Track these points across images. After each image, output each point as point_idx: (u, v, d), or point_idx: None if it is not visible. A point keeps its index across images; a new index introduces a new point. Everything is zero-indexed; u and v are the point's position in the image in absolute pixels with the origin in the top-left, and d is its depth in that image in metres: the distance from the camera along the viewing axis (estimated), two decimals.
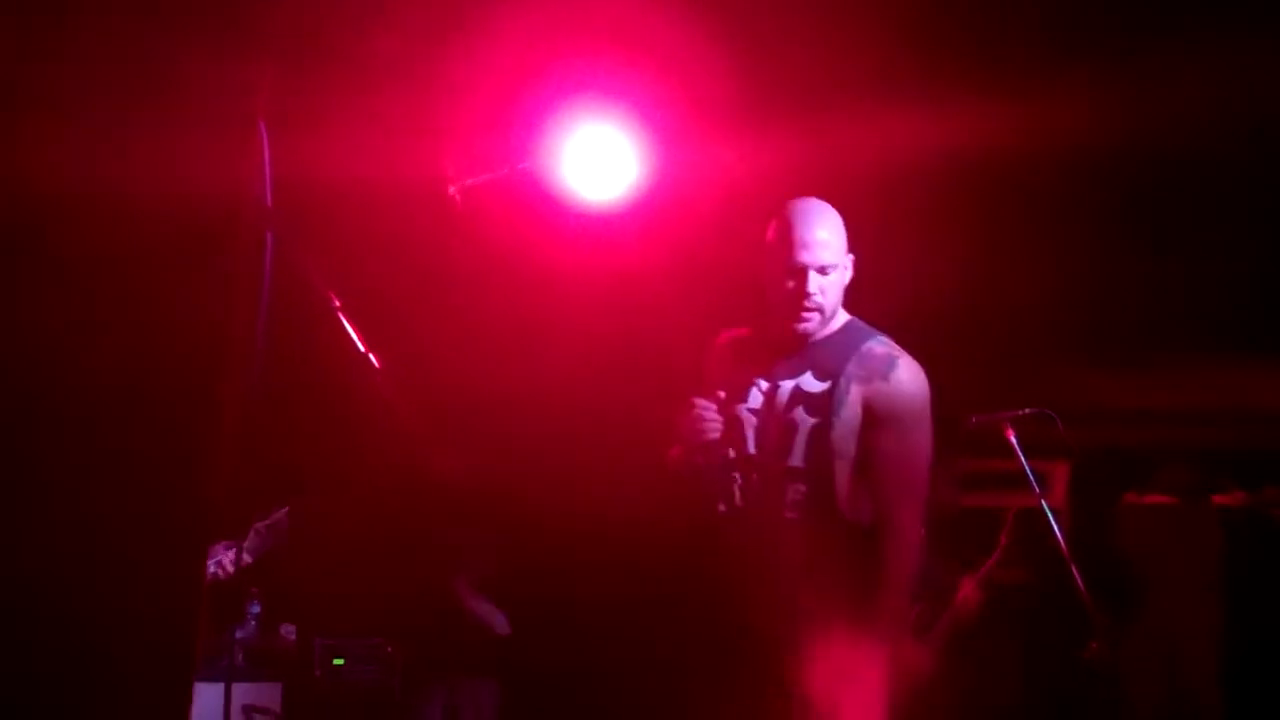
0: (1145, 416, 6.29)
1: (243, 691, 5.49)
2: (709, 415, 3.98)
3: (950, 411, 4.29)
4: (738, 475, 4.03)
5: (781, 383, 4.06)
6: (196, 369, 2.76)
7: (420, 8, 4.85)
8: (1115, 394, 6.09)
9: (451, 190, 5.30)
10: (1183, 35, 4.60)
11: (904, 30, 4.99)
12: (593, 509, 5.81)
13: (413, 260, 5.42)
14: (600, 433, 5.88)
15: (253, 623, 5.83)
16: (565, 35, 5.08)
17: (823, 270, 4.01)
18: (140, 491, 2.67)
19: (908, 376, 4.01)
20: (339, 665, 5.81)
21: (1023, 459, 5.27)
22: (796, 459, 3.99)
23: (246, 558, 4.73)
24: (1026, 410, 5.28)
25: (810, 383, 4.05)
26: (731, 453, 4.04)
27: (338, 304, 3.41)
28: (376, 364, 3.39)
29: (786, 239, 4.01)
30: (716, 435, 3.99)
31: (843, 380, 3.99)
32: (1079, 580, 4.74)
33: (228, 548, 4.54)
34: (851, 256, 4.11)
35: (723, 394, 4.05)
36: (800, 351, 4.08)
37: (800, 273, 4.00)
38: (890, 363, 4.01)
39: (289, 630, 5.98)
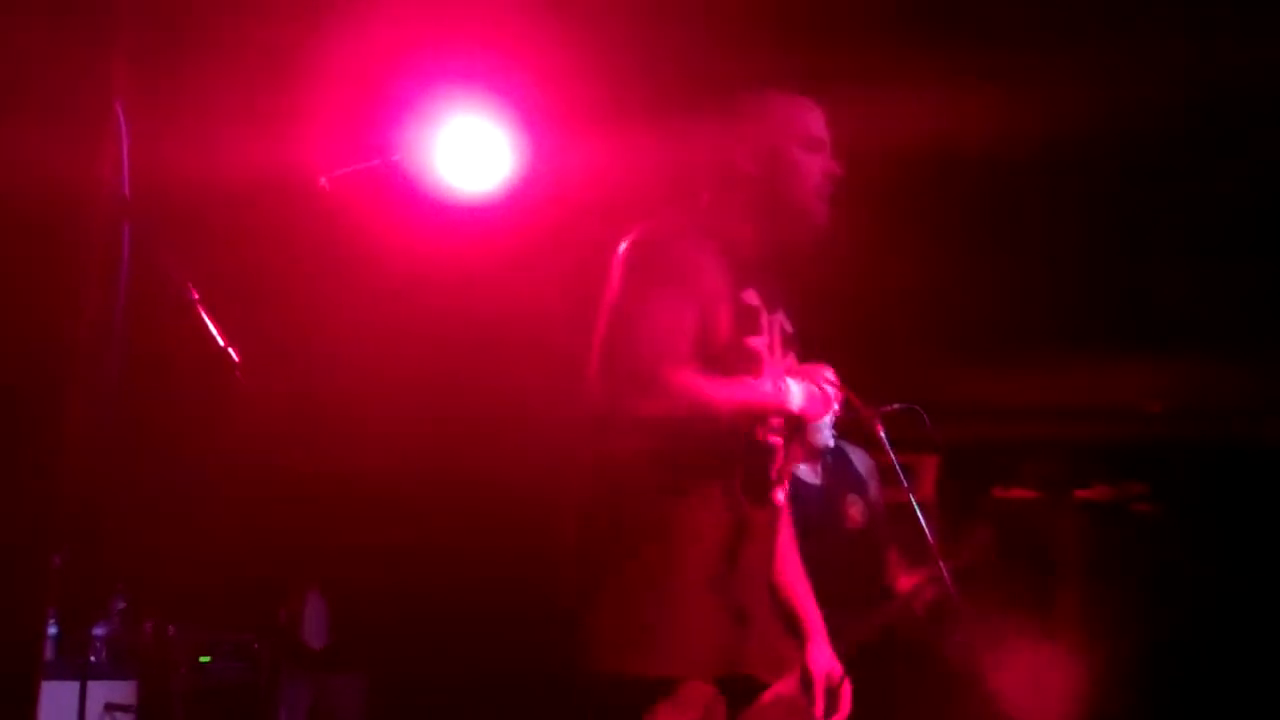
0: (1011, 412, 6.38)
1: (105, 690, 5.38)
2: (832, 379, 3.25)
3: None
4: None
5: (773, 315, 3.32)
6: (45, 364, 2.70)
7: None
8: (982, 390, 6.18)
9: (322, 181, 5.25)
10: (1040, 40, 4.66)
11: (779, 27, 5.01)
12: (464, 498, 5.79)
13: (276, 252, 5.35)
14: (472, 421, 5.86)
15: (116, 619, 5.71)
16: (437, 25, 5.04)
17: None
18: None
19: None
20: (205, 663, 5.72)
21: (891, 453, 5.33)
22: None
23: None
24: (895, 406, 5.34)
25: (785, 320, 3.38)
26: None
27: (196, 296, 3.36)
28: (235, 358, 3.34)
29: (797, 109, 3.36)
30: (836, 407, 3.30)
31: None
32: (944, 571, 4.78)
33: None
34: None
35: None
36: (763, 271, 3.29)
37: (824, 145, 3.34)
38: None
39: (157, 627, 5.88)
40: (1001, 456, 6.61)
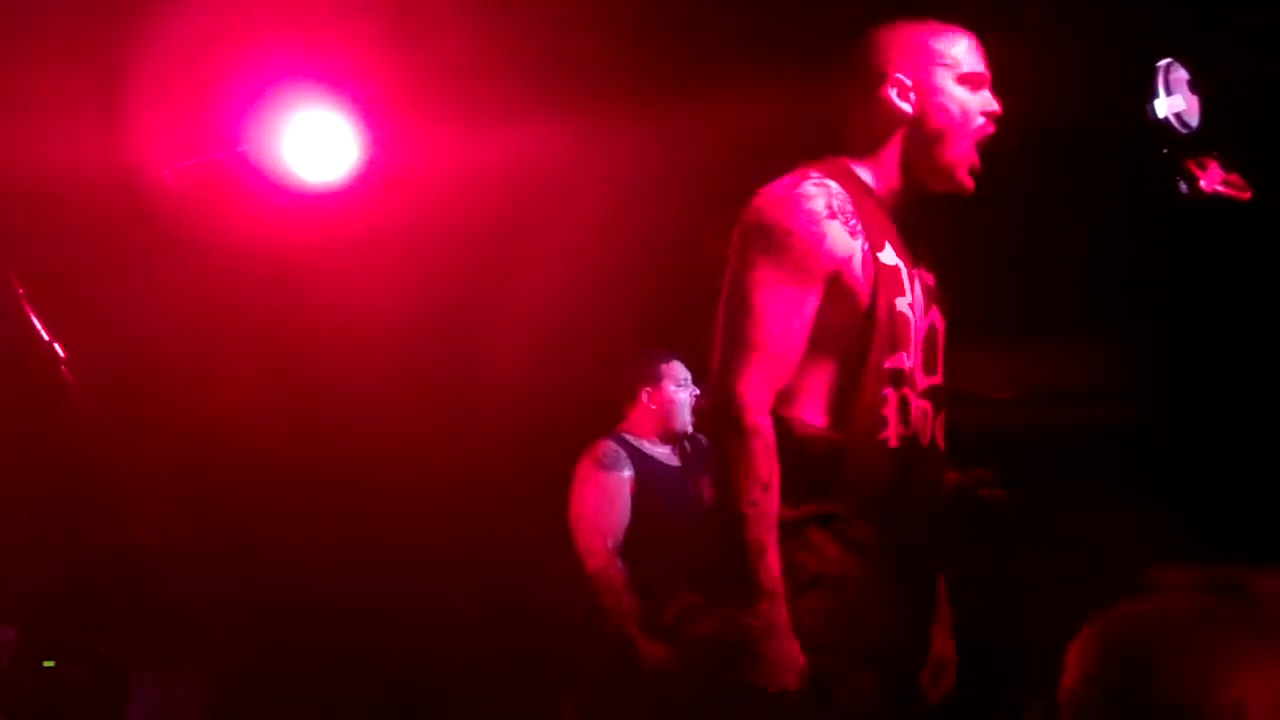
0: None
1: None
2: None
3: None
4: (909, 394, 3.02)
5: (916, 270, 3.12)
6: None
7: None
8: None
9: (166, 173, 5.17)
10: None
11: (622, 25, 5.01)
12: (308, 488, 5.73)
13: (111, 246, 5.24)
14: (316, 411, 5.79)
15: None
16: (281, 15, 4.97)
17: None
18: None
19: None
20: (49, 667, 5.58)
21: None
22: (940, 376, 3.14)
23: None
24: None
25: (926, 274, 3.17)
26: (907, 361, 3.03)
27: (21, 291, 3.29)
28: (61, 353, 3.27)
29: (954, 40, 3.09)
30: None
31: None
32: None
33: None
34: None
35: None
36: (904, 222, 3.10)
37: (984, 81, 3.09)
38: None
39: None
40: None
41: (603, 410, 5.51)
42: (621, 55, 5.01)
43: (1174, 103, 3.38)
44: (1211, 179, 3.32)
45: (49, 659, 5.55)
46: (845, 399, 2.96)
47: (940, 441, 3.14)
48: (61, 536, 5.48)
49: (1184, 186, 3.33)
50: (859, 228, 2.97)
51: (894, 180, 3.10)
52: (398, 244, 5.53)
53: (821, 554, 2.94)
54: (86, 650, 5.63)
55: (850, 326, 2.96)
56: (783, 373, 2.93)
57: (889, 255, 3.01)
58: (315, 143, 5.28)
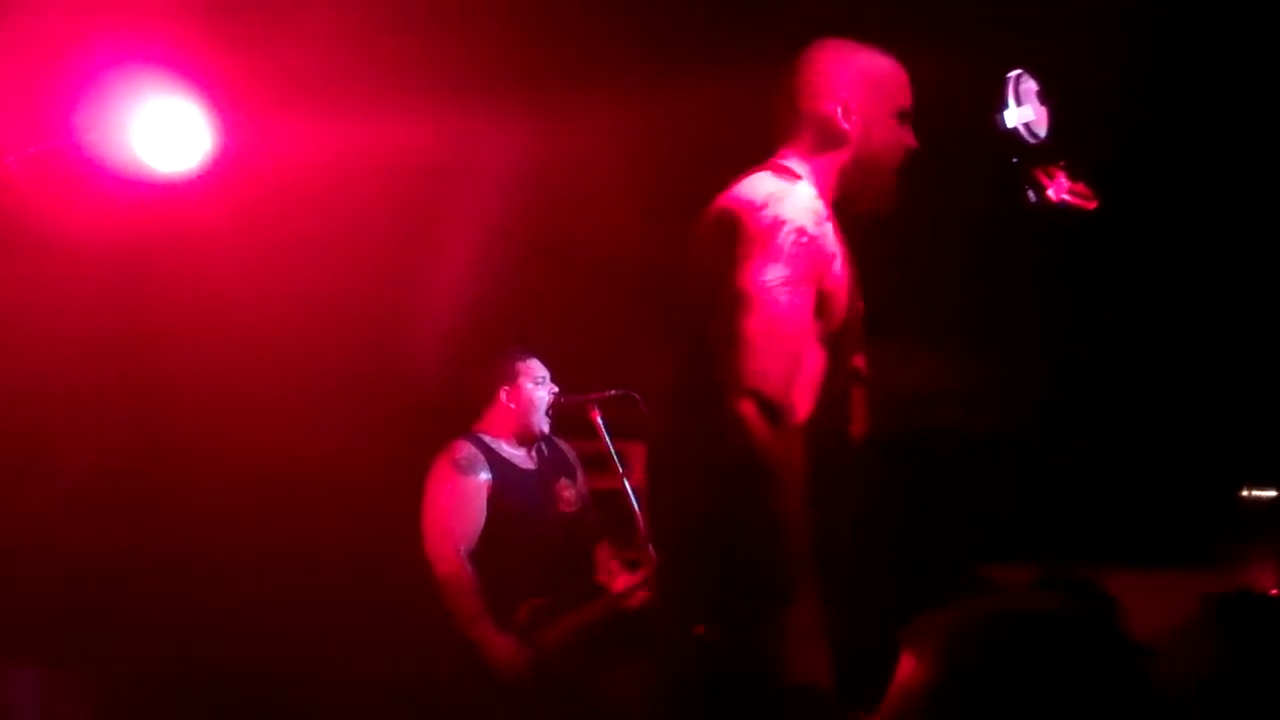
0: None
1: None
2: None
3: None
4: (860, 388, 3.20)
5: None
6: None
7: None
8: None
9: (9, 161, 5.02)
10: None
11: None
12: (164, 488, 5.60)
13: None
14: (167, 409, 5.65)
15: None
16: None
17: None
18: None
19: None
20: None
21: (608, 439, 5.32)
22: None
23: None
24: (611, 391, 5.33)
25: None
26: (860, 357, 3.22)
27: None
28: None
29: (895, 74, 3.27)
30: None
31: None
32: (653, 557, 4.74)
33: None
34: None
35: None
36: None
37: (909, 117, 3.27)
38: None
39: None
40: None
41: (461, 407, 5.44)
42: (488, 46, 4.94)
43: (1023, 113, 3.42)
44: (1059, 188, 3.37)
45: None
46: (824, 394, 3.03)
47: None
48: None
49: (1032, 195, 3.37)
50: (829, 232, 3.10)
51: (829, 192, 3.19)
52: (254, 236, 5.40)
53: None
54: None
55: (830, 326, 3.06)
56: (797, 371, 2.97)
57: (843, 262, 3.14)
58: (165, 131, 5.12)
